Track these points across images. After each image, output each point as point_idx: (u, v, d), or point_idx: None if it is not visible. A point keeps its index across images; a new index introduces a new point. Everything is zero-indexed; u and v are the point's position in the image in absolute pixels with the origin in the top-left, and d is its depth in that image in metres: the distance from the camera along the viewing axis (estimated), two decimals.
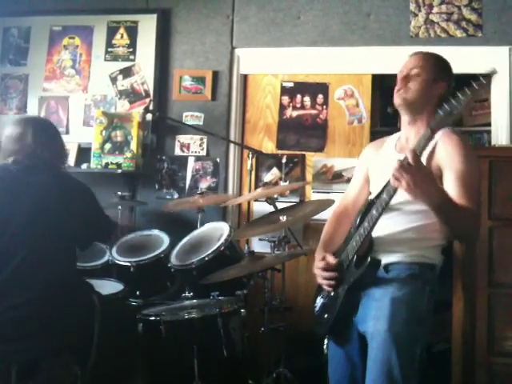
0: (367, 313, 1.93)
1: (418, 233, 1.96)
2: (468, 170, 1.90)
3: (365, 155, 2.30)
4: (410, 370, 1.84)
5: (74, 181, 2.39)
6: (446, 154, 1.92)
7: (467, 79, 1.68)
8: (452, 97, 1.66)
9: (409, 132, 2.08)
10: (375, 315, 1.89)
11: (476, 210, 1.90)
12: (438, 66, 2.10)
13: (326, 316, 2.05)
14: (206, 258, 2.79)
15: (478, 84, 1.61)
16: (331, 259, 2.02)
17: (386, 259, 1.94)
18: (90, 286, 2.37)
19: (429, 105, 2.03)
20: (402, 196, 1.80)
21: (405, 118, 2.09)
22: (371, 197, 2.13)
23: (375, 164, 2.18)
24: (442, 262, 2.03)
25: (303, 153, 3.64)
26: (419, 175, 1.68)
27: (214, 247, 2.83)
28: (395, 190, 1.77)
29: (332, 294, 2.04)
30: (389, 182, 1.79)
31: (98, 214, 2.43)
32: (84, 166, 3.62)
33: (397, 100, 2.06)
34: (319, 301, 2.15)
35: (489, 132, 3.52)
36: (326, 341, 2.11)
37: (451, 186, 1.86)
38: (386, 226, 1.95)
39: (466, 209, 1.83)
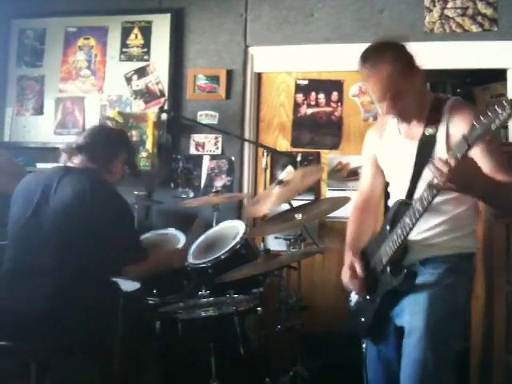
0: (404, 307, 1.92)
1: (452, 223, 1.91)
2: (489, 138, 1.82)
3: (369, 142, 2.23)
4: (446, 365, 1.83)
5: (110, 191, 2.38)
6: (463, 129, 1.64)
7: (485, 73, 1.60)
8: (490, 109, 1.45)
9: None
10: (412, 310, 1.87)
11: None
12: (402, 61, 1.84)
13: (362, 319, 2.05)
14: (222, 257, 2.79)
15: None
16: (359, 270, 1.99)
17: (422, 255, 1.90)
18: (116, 286, 2.37)
19: (419, 94, 1.92)
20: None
21: None
22: (392, 190, 2.11)
23: (383, 150, 2.12)
24: (477, 248, 1.99)
25: (318, 150, 3.63)
26: (466, 169, 1.54)
27: (230, 246, 2.83)
28: (434, 195, 1.68)
29: (368, 297, 2.02)
30: (416, 190, 1.78)
31: (123, 232, 2.38)
32: None
33: (391, 116, 1.97)
34: (354, 296, 2.14)
35: (506, 127, 3.47)
36: (363, 341, 2.10)
37: (482, 163, 1.68)
38: (418, 224, 1.83)
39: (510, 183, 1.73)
